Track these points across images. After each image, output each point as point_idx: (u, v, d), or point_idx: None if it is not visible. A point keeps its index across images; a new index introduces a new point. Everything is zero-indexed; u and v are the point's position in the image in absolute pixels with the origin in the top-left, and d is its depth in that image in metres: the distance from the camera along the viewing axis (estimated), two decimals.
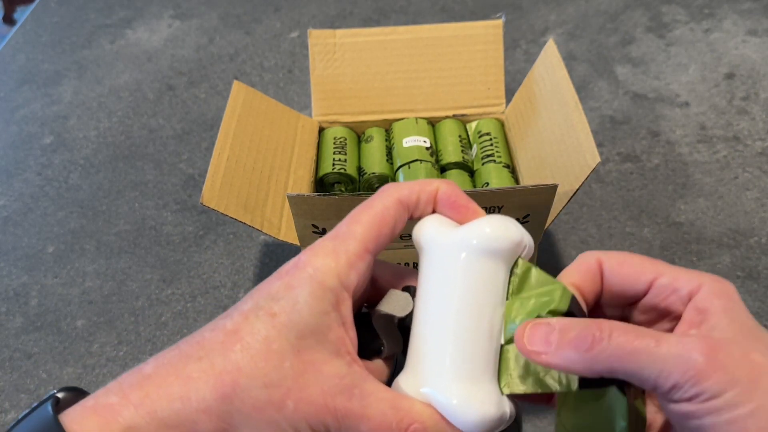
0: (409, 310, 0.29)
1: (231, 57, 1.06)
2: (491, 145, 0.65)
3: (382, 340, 0.29)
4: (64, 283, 0.74)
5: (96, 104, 0.99)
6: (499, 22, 0.66)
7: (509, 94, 0.67)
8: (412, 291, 0.29)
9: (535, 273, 0.29)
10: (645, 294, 0.28)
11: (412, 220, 0.29)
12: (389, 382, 0.28)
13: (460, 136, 0.67)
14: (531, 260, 0.30)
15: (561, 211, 0.51)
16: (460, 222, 0.29)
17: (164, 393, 0.24)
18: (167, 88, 1.01)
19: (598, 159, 0.47)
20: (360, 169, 0.66)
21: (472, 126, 0.69)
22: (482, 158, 0.64)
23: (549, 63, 0.60)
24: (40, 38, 1.16)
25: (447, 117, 0.69)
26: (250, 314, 0.26)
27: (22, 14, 1.30)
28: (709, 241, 0.71)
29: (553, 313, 0.27)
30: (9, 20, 1.91)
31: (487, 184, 0.62)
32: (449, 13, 1.11)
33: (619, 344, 0.24)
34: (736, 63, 0.94)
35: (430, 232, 0.28)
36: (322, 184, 0.64)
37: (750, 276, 0.68)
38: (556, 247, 0.73)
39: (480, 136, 0.67)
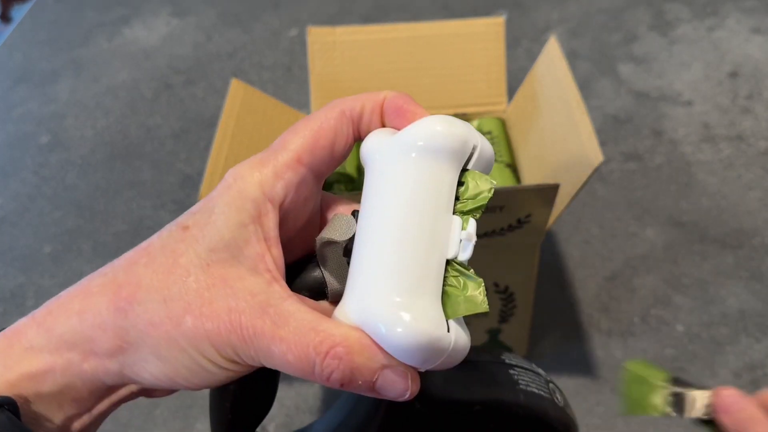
0: (352, 233, 0.25)
1: (229, 55, 1.05)
2: (493, 143, 0.64)
3: (325, 277, 0.25)
4: (61, 283, 0.73)
5: (93, 103, 0.99)
6: (501, 19, 0.65)
7: (511, 92, 0.66)
8: (357, 215, 0.25)
9: (476, 177, 0.24)
10: None
11: (361, 133, 0.26)
12: None
13: None
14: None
15: (563, 211, 0.50)
16: None
17: (64, 309, 0.23)
18: (165, 86, 1.00)
19: (600, 158, 0.46)
20: (359, 169, 0.65)
21: (473, 124, 0.68)
22: None
23: (551, 61, 0.59)
24: (36, 36, 1.15)
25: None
26: (164, 230, 0.24)
27: (19, 12, 1.29)
28: (712, 241, 0.71)
29: (480, 208, 0.24)
30: (6, 18, 1.90)
31: None
32: (450, 10, 1.10)
33: None
34: (740, 61, 0.93)
35: (372, 142, 0.25)
36: None
37: (754, 276, 0.67)
38: (558, 246, 0.72)
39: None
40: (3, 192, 0.85)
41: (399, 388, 0.22)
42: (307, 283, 0.25)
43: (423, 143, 0.23)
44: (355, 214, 0.25)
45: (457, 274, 0.24)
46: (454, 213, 0.24)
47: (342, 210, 0.27)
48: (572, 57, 0.97)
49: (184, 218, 0.23)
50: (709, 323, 0.64)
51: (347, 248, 0.25)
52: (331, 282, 0.25)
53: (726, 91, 0.89)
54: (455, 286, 0.24)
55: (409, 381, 0.22)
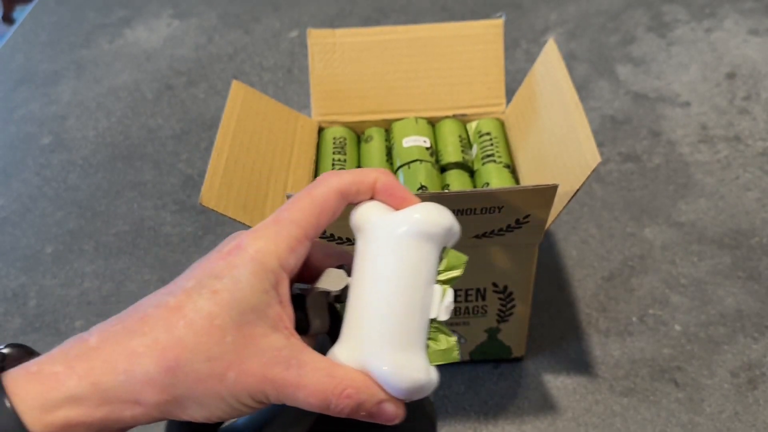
0: (344, 285, 0.31)
1: (230, 56, 1.06)
2: (491, 145, 0.65)
3: (310, 319, 0.30)
4: (63, 283, 0.73)
5: (94, 104, 0.99)
6: (500, 21, 0.66)
7: (509, 93, 0.67)
8: (346, 268, 0.31)
9: (453, 254, 0.31)
10: None
11: (350, 205, 0.31)
12: None
13: (460, 136, 0.67)
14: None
15: (561, 211, 0.50)
16: (397, 209, 0.31)
17: (109, 367, 0.25)
18: (166, 87, 1.01)
19: (598, 159, 0.47)
20: None
21: (472, 126, 0.69)
22: (482, 158, 0.64)
23: (549, 63, 0.60)
24: (38, 38, 1.15)
25: (447, 117, 0.68)
26: (193, 292, 0.27)
27: (21, 14, 1.30)
28: (710, 241, 0.71)
29: (455, 279, 0.31)
30: (8, 19, 1.90)
31: (488, 184, 0.61)
32: (449, 12, 1.10)
33: None
34: (738, 63, 0.94)
35: (368, 214, 0.31)
36: None
37: (751, 277, 0.67)
38: (556, 247, 0.73)
39: (480, 136, 0.66)
40: (5, 193, 0.86)
41: (391, 415, 0.29)
42: (297, 328, 0.30)
43: (414, 228, 0.29)
44: (343, 268, 0.31)
45: (436, 330, 0.30)
46: (435, 283, 0.30)
47: (318, 256, 0.32)
48: (570, 58, 0.97)
49: (209, 282, 0.27)
50: (706, 323, 0.64)
51: (338, 297, 0.31)
52: (315, 324, 0.31)
53: (724, 92, 0.90)
54: (436, 340, 0.30)
55: (399, 411, 0.29)
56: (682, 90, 0.90)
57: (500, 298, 0.57)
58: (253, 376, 0.26)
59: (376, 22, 1.09)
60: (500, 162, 0.63)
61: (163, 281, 0.72)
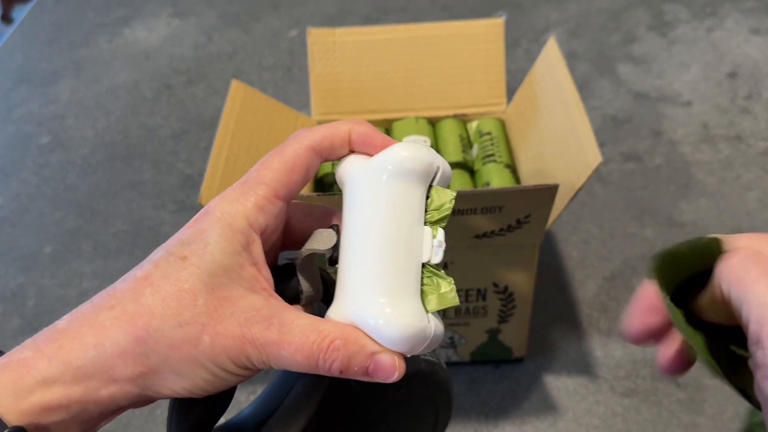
0: (333, 242, 0.29)
1: (230, 56, 1.06)
2: (492, 144, 0.65)
3: (301, 285, 0.29)
4: (62, 283, 0.73)
5: (93, 103, 0.99)
6: (500, 20, 0.65)
7: (510, 93, 0.66)
8: (336, 228, 0.29)
9: (439, 191, 0.29)
10: None
11: (328, 161, 0.30)
12: None
13: (460, 136, 0.67)
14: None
15: (562, 211, 0.50)
16: None
17: (78, 343, 0.25)
18: (165, 87, 1.00)
19: (599, 158, 0.46)
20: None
21: (472, 125, 0.69)
22: (483, 158, 0.64)
23: (550, 62, 0.59)
24: (37, 37, 1.15)
25: (447, 116, 0.68)
26: (161, 261, 0.26)
27: (20, 13, 1.29)
28: None
29: (446, 218, 0.29)
30: (7, 19, 1.90)
31: (488, 183, 0.61)
32: (450, 11, 1.10)
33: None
34: (739, 62, 0.93)
35: (349, 166, 0.29)
36: (321, 184, 0.64)
37: None
38: (557, 247, 0.72)
39: (481, 136, 0.66)
40: (3, 192, 0.86)
41: (388, 370, 0.26)
42: (285, 290, 0.28)
43: (395, 167, 0.28)
44: (333, 227, 0.30)
45: (431, 275, 0.28)
46: (425, 224, 0.28)
47: (307, 221, 0.31)
48: (571, 57, 0.97)
49: (177, 249, 0.26)
50: None
51: (331, 258, 0.29)
52: (307, 288, 0.29)
53: (725, 91, 0.89)
54: (430, 285, 0.28)
55: (396, 364, 0.27)
56: (684, 89, 0.90)
57: (501, 299, 0.56)
58: (230, 337, 0.25)
59: (376, 21, 1.09)
60: (501, 162, 0.63)
61: None
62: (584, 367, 0.61)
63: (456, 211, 0.48)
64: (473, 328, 0.59)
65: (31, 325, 0.68)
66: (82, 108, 0.98)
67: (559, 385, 0.61)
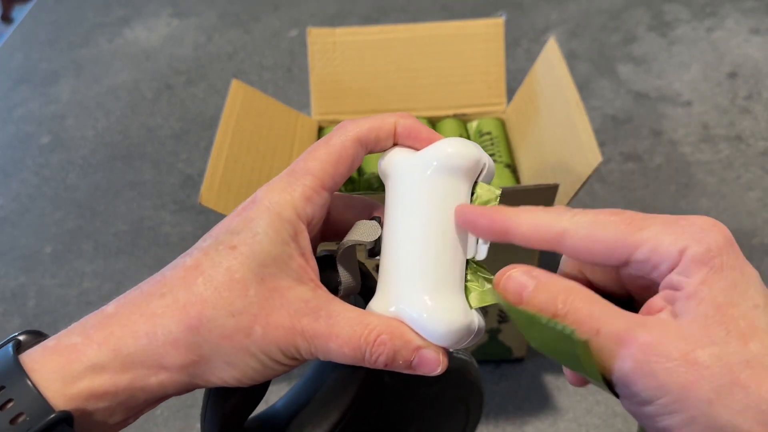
0: (377, 235, 0.29)
1: (230, 56, 1.06)
2: (492, 144, 0.65)
3: (341, 277, 0.29)
4: (62, 283, 0.73)
5: (94, 103, 0.99)
6: (500, 20, 0.65)
7: (510, 93, 0.66)
8: (378, 220, 0.29)
9: (485, 188, 0.29)
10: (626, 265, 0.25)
11: (373, 153, 0.30)
12: None
13: (460, 136, 0.67)
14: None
15: None
16: None
17: (129, 330, 0.25)
18: (165, 87, 1.00)
19: (599, 158, 0.46)
20: (359, 169, 0.65)
21: (472, 125, 0.69)
22: None
23: (550, 62, 0.59)
24: (37, 37, 1.15)
25: (447, 116, 0.68)
26: (210, 249, 0.26)
27: (20, 13, 1.29)
28: None
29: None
30: (7, 19, 1.90)
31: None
32: (450, 11, 1.10)
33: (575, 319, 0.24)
34: (739, 62, 0.93)
35: (394, 159, 0.29)
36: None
37: None
38: None
39: (481, 136, 0.66)
40: (4, 192, 0.86)
41: (431, 364, 0.27)
42: (324, 282, 0.28)
43: (441, 162, 0.27)
44: (375, 219, 0.29)
45: (475, 271, 0.28)
46: None
47: (347, 214, 0.30)
48: (571, 57, 0.97)
49: (226, 238, 0.26)
50: None
51: (372, 250, 0.29)
52: (347, 280, 0.29)
53: (725, 91, 0.89)
54: (474, 282, 0.28)
55: (440, 358, 0.27)
56: (684, 89, 0.90)
57: None
58: (281, 328, 0.25)
59: (376, 21, 1.09)
60: (501, 161, 0.63)
61: None
62: None
63: None
64: None
65: (32, 325, 0.68)
66: (83, 108, 0.98)
67: (559, 385, 0.61)
